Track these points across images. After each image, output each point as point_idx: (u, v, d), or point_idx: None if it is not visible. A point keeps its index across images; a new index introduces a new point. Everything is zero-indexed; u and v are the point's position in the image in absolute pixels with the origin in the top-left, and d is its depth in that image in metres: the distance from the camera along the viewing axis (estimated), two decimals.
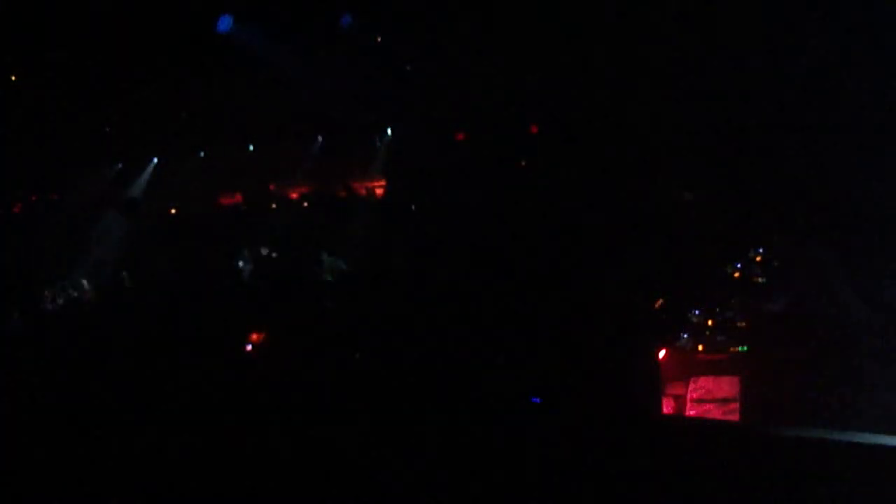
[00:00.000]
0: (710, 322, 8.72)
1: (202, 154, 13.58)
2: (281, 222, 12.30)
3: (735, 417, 7.77)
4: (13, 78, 11.05)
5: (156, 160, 13.48)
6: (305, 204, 13.14)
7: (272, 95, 12.00)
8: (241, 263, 9.96)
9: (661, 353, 8.26)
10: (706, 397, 8.02)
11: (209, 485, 6.36)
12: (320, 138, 13.36)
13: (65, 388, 7.46)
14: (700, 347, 8.61)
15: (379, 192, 12.90)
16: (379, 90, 11.91)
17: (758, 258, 8.98)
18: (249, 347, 8.27)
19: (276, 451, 6.66)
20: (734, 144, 9.26)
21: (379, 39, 11.89)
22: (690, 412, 7.94)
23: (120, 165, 13.46)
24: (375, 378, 7.35)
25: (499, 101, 10.81)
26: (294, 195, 13.54)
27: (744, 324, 8.66)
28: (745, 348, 8.56)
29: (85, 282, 10.26)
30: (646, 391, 7.31)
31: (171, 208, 13.65)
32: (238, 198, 13.94)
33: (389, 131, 12.85)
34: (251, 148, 13.47)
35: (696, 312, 8.76)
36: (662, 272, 8.55)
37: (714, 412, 7.87)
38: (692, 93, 9.47)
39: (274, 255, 10.60)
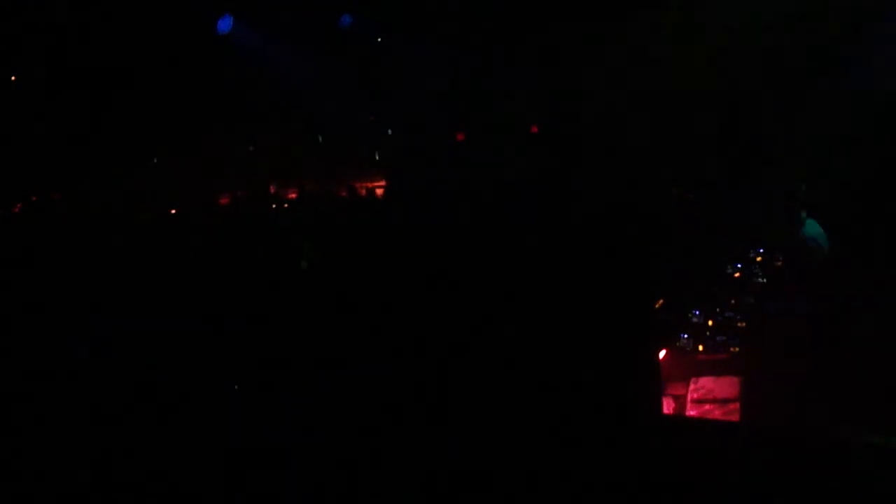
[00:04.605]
0: (710, 322, 8.71)
1: (203, 154, 13.58)
2: (281, 222, 12.30)
3: (735, 417, 7.77)
4: (13, 78, 11.05)
5: (155, 160, 13.50)
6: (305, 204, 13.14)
7: (272, 95, 12.00)
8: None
9: (661, 353, 8.26)
10: (706, 397, 8.02)
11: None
12: (320, 138, 13.36)
13: (65, 387, 7.46)
14: (700, 347, 8.61)
15: (379, 192, 12.90)
16: (379, 90, 11.91)
17: (758, 258, 8.98)
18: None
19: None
20: (735, 144, 9.26)
21: (379, 39, 11.89)
22: (690, 412, 7.94)
23: (119, 166, 13.48)
24: (371, 377, 7.35)
25: (499, 101, 10.82)
26: (294, 195, 13.54)
27: (744, 324, 8.66)
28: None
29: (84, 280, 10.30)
30: (646, 391, 7.30)
31: (171, 208, 13.65)
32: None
33: (389, 131, 12.86)
34: (251, 148, 13.48)
35: (697, 312, 8.76)
36: (662, 272, 8.55)
37: (714, 412, 7.87)
38: (693, 92, 9.48)
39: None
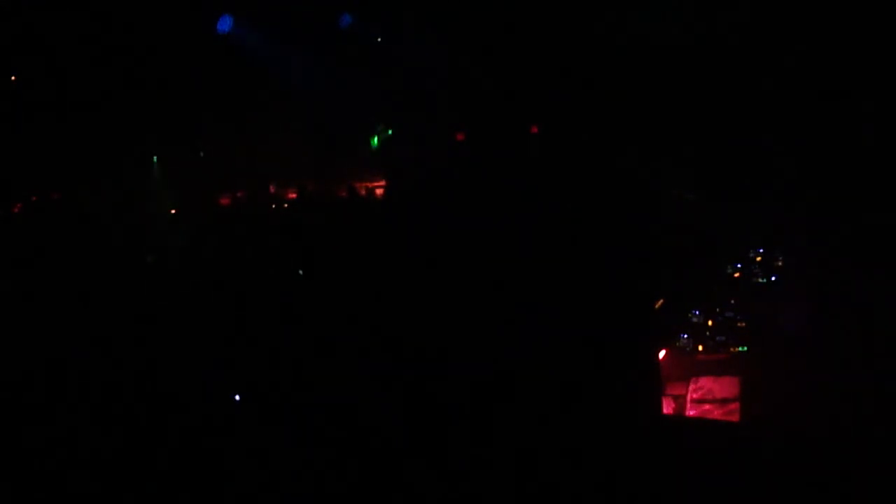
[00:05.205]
0: (710, 322, 8.72)
1: (202, 154, 13.55)
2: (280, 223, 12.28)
3: (735, 417, 7.77)
4: (13, 78, 11.04)
5: (155, 160, 13.47)
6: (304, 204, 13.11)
7: (272, 95, 11.98)
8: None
9: (661, 353, 8.26)
10: (706, 397, 8.02)
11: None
12: (320, 138, 13.34)
13: (66, 388, 7.46)
14: (700, 347, 8.61)
15: (379, 192, 12.88)
16: (379, 90, 11.89)
17: (758, 258, 8.99)
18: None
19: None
20: (735, 144, 9.26)
21: (379, 39, 11.88)
22: (690, 412, 7.94)
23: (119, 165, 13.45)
24: (370, 380, 7.35)
25: (499, 101, 10.80)
26: (293, 195, 13.52)
27: (744, 324, 8.67)
28: (745, 348, 8.58)
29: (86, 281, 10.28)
30: (646, 391, 7.30)
31: (171, 208, 13.62)
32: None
33: (390, 131, 12.85)
34: (251, 148, 13.46)
35: (696, 312, 8.76)
36: (662, 272, 8.55)
37: (714, 412, 7.88)
38: (694, 93, 9.47)
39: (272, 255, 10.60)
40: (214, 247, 10.21)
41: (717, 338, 8.62)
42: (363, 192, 12.85)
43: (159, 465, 6.51)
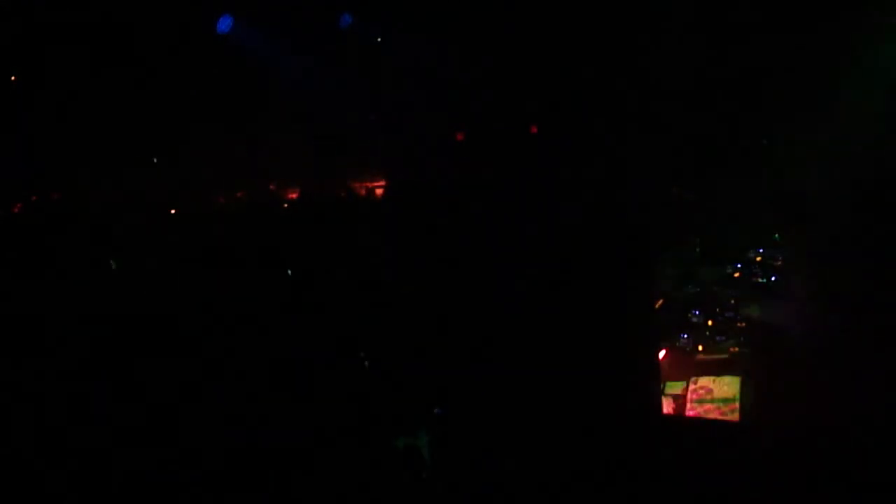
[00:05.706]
0: (710, 322, 8.72)
1: (203, 154, 13.54)
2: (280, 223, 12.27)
3: (735, 417, 7.77)
4: (13, 78, 11.04)
5: (155, 160, 13.45)
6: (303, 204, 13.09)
7: (272, 95, 11.98)
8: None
9: (661, 353, 8.27)
10: (706, 397, 8.02)
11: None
12: (320, 138, 13.34)
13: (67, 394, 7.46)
14: (700, 347, 8.62)
15: (379, 192, 12.88)
16: (379, 90, 11.90)
17: (758, 258, 8.99)
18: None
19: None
20: (735, 143, 9.26)
21: (379, 39, 11.88)
22: (690, 412, 7.94)
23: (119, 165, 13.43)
24: (369, 382, 7.35)
25: (499, 101, 10.80)
26: (294, 195, 13.52)
27: (744, 324, 8.67)
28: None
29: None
30: (646, 391, 7.31)
31: (171, 208, 13.61)
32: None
33: (388, 128, 12.86)
34: (251, 148, 13.45)
35: (696, 312, 8.77)
36: (662, 272, 8.56)
37: (714, 412, 7.88)
38: (693, 92, 9.47)
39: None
40: (214, 247, 10.21)
41: (717, 338, 8.62)
42: (363, 192, 12.85)
43: (160, 467, 6.51)
